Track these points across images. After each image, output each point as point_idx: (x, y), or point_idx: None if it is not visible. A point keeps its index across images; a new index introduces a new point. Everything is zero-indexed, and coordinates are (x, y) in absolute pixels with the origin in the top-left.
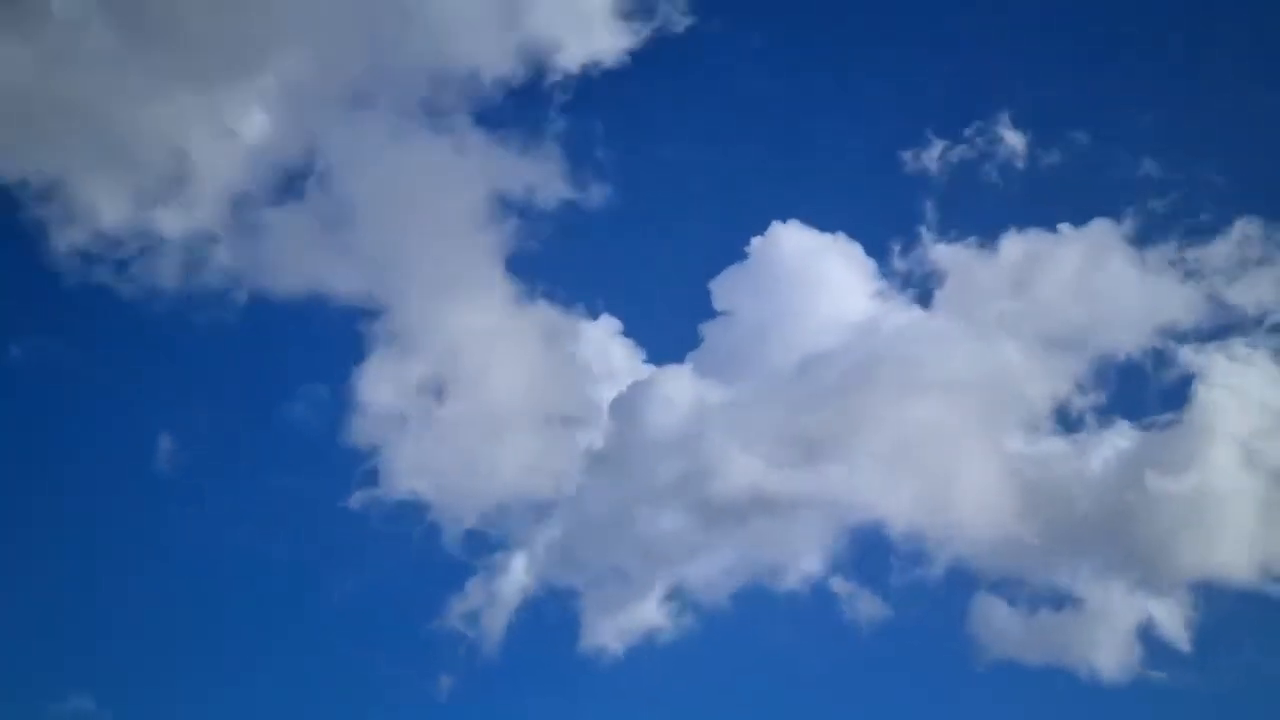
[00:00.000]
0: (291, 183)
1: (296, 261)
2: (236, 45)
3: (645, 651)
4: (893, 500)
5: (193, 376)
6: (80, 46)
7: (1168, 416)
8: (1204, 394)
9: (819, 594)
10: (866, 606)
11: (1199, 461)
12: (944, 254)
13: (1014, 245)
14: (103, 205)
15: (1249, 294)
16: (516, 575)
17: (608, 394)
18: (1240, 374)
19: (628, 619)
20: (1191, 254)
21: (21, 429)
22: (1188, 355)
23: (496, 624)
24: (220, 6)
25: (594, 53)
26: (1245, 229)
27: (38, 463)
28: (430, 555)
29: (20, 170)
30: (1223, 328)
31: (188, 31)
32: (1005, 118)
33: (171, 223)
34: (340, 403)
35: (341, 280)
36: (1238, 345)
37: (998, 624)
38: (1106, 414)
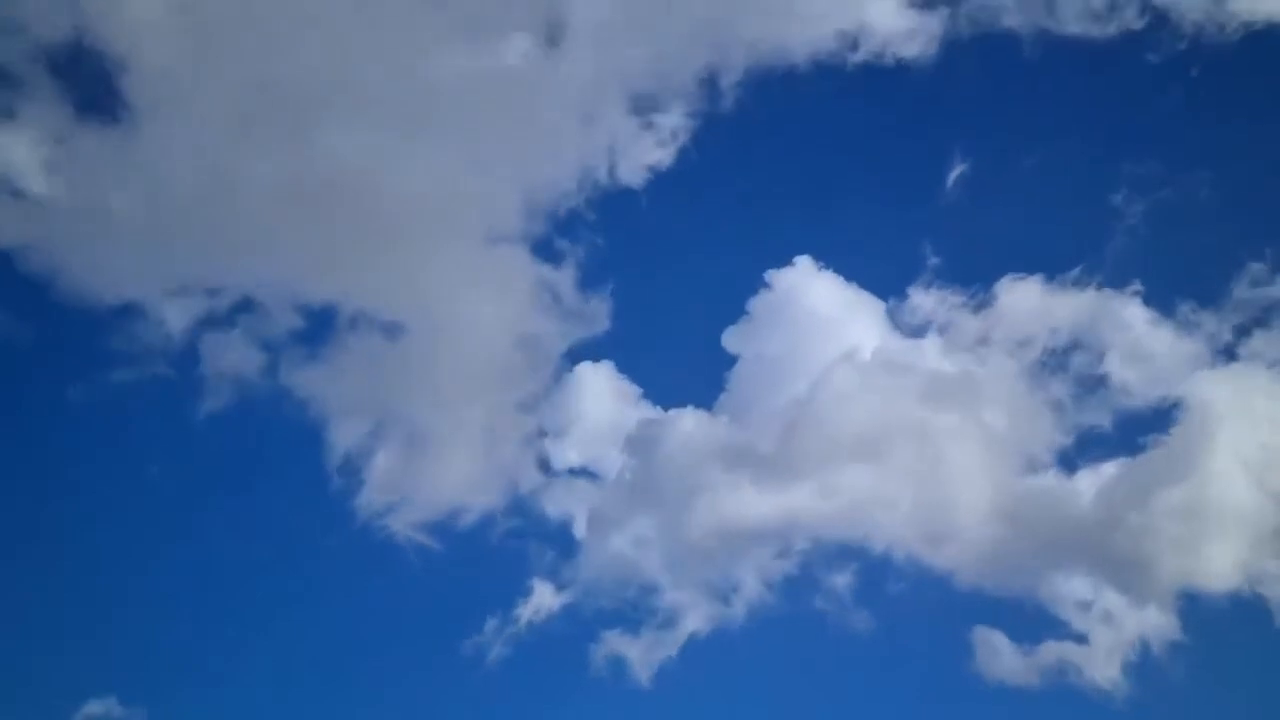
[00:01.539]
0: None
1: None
2: None
3: (657, 679)
4: (895, 530)
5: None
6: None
7: (1159, 438)
8: (1194, 413)
9: (829, 622)
10: (872, 631)
11: (1191, 481)
12: (946, 296)
13: (1014, 288)
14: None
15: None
16: (533, 605)
17: (616, 432)
18: (1232, 391)
19: (638, 647)
20: (1191, 301)
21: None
22: (1180, 380)
23: (511, 652)
24: None
25: None
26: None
27: (56, 473)
28: (447, 582)
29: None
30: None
31: None
32: (1009, 161)
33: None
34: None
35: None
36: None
37: (994, 647)
38: (1100, 445)
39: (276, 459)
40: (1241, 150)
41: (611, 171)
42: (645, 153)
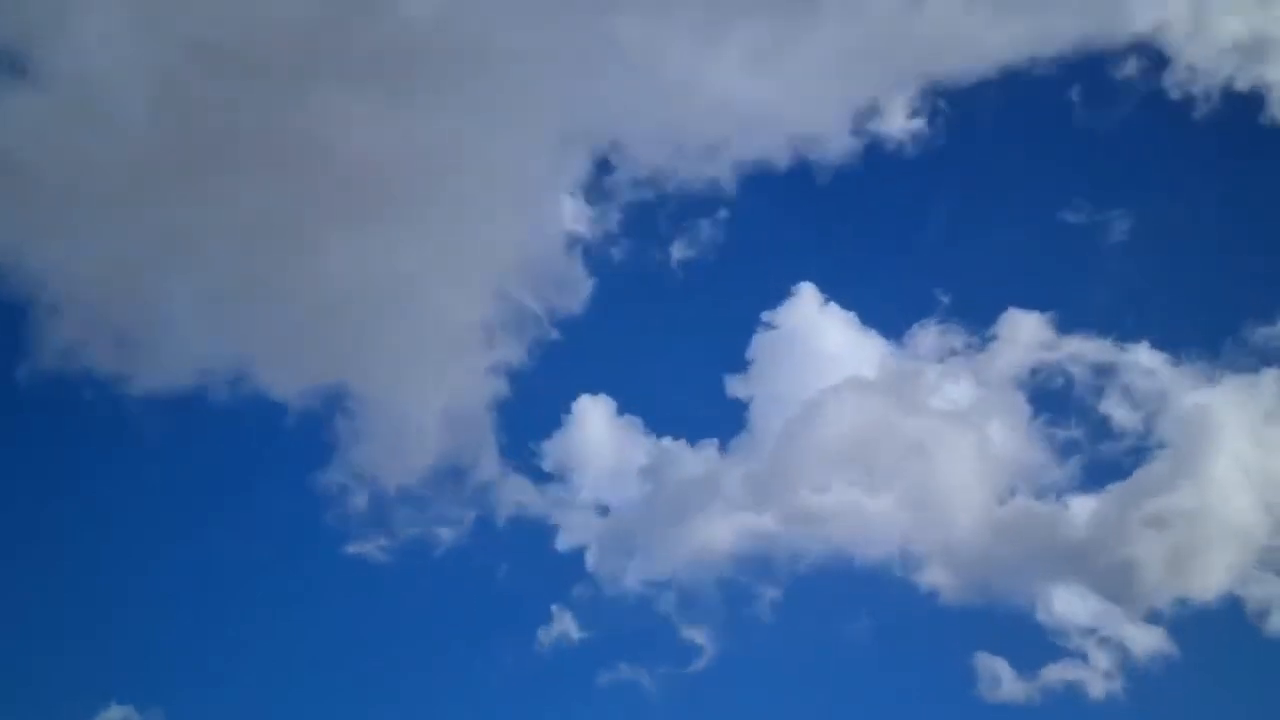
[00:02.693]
0: None
1: None
2: None
3: (671, 708)
4: (900, 556)
5: None
6: None
7: (1156, 456)
8: (1188, 430)
9: (835, 648)
10: (877, 655)
11: (1187, 497)
12: (948, 326)
13: (1015, 324)
14: None
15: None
16: (554, 632)
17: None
18: (1226, 408)
19: (650, 676)
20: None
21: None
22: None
23: (527, 677)
24: None
25: None
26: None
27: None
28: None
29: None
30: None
31: None
32: (1015, 200)
33: None
34: None
35: None
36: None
37: (996, 672)
38: (1098, 468)
39: (258, 450)
40: (1250, 195)
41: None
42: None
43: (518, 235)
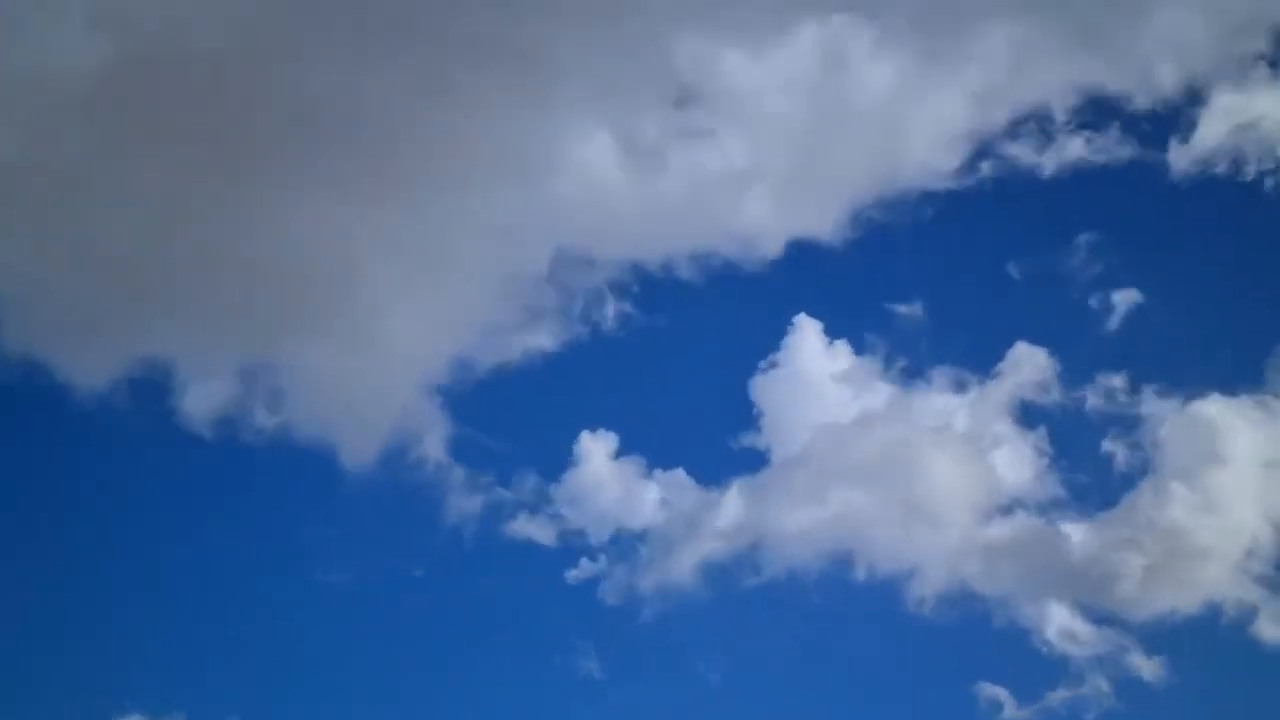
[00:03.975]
0: None
1: None
2: None
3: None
4: (903, 581)
5: None
6: None
7: (1144, 478)
8: (1176, 450)
9: (841, 674)
10: (885, 682)
11: (1185, 511)
12: (953, 358)
13: (1019, 358)
14: None
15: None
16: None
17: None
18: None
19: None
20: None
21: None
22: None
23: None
24: None
25: None
26: None
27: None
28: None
29: None
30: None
31: None
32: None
33: None
34: None
35: None
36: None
37: (997, 699)
38: (1096, 492)
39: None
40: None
41: None
42: None
43: (504, 210)
